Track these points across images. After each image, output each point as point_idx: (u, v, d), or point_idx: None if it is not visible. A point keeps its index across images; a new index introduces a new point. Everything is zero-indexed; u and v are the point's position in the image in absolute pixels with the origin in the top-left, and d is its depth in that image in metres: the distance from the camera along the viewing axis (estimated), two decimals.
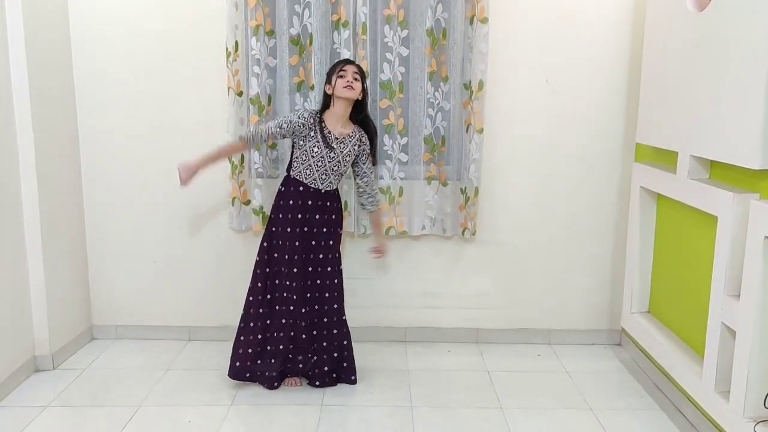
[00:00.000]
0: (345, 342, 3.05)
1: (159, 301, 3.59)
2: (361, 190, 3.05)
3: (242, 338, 2.98)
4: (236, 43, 3.23)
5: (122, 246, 3.53)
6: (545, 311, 3.58)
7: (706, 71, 2.50)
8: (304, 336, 2.96)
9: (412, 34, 3.28)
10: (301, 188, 2.89)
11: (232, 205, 3.41)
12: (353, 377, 3.08)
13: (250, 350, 2.97)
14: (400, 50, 3.26)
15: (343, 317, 3.03)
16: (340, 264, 3.01)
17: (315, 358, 3.01)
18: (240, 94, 3.29)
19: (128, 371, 3.22)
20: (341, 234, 3.03)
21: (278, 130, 2.87)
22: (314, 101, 3.27)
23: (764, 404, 2.21)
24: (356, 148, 2.93)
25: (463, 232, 3.43)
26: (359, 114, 2.96)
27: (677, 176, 2.73)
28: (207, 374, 3.19)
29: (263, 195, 3.35)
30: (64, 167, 3.33)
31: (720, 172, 2.55)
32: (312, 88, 3.26)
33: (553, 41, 3.33)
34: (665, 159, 2.97)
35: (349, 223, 3.37)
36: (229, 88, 3.28)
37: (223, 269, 3.55)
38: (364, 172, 3.00)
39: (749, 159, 2.20)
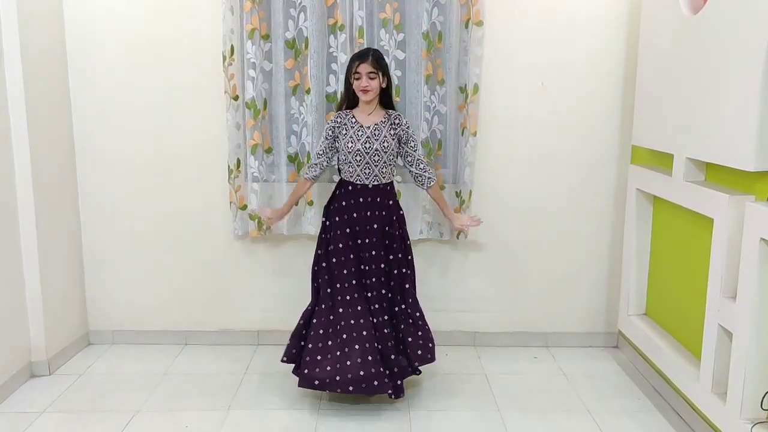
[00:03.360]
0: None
1: (155, 305, 3.58)
2: (410, 171, 2.96)
3: (311, 345, 2.83)
4: (232, 47, 3.23)
5: (118, 251, 3.53)
6: (542, 314, 3.58)
7: (700, 74, 2.51)
8: (381, 331, 2.86)
9: (408, 38, 3.29)
10: (349, 187, 2.86)
11: (230, 209, 3.41)
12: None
13: (319, 357, 2.81)
14: (396, 53, 3.27)
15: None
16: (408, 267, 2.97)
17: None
18: (236, 98, 3.29)
19: (125, 376, 3.21)
20: (401, 234, 2.95)
21: (324, 141, 2.89)
22: (310, 105, 3.27)
23: (761, 405, 2.22)
24: (392, 132, 2.86)
25: (457, 236, 3.43)
26: (389, 100, 2.93)
27: (673, 178, 2.74)
28: (204, 379, 3.19)
29: (259, 199, 3.35)
30: (60, 172, 3.32)
31: (715, 174, 2.56)
32: (308, 91, 3.26)
33: (549, 44, 3.33)
34: (661, 161, 2.97)
35: None
36: (225, 92, 3.28)
37: (220, 273, 3.55)
38: (407, 152, 2.91)
39: (744, 161, 2.21)
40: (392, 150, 2.87)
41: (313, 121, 3.29)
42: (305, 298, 3.47)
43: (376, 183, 2.86)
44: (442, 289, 3.55)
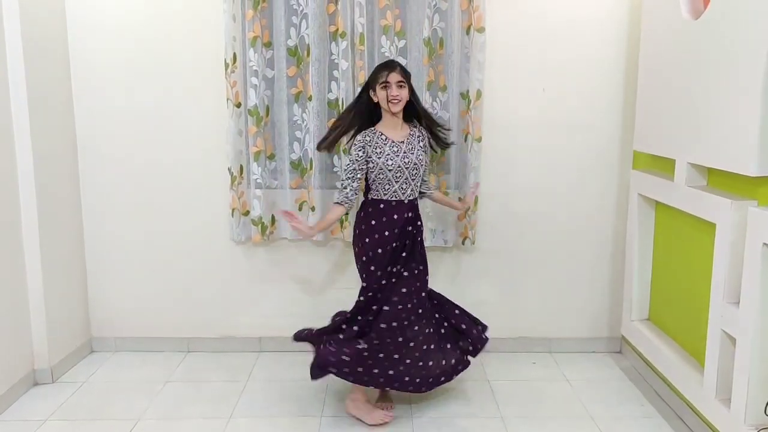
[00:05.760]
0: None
1: (158, 312, 3.58)
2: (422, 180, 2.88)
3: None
4: (234, 54, 3.24)
5: (121, 257, 3.53)
6: (545, 319, 3.58)
7: (702, 78, 2.51)
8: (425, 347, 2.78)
9: (410, 44, 3.30)
10: (381, 205, 2.74)
11: (232, 216, 3.41)
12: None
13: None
14: (397, 60, 3.27)
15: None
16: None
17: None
18: (238, 105, 3.30)
19: (127, 384, 3.21)
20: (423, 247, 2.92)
21: (356, 162, 2.72)
22: (312, 112, 3.28)
23: (765, 412, 2.21)
24: (422, 144, 2.78)
25: (463, 242, 3.43)
26: (413, 111, 2.81)
27: (675, 183, 2.73)
28: (206, 386, 3.19)
29: (262, 206, 3.36)
30: (63, 179, 3.33)
31: (718, 179, 2.56)
32: (310, 98, 3.27)
33: (550, 50, 3.34)
34: (663, 166, 2.97)
35: (348, 233, 3.38)
36: (227, 100, 3.29)
37: (223, 280, 3.55)
38: (426, 163, 2.85)
39: (746, 166, 2.21)
40: (425, 163, 2.82)
41: (315, 127, 3.29)
42: (307, 305, 3.51)
43: (411, 198, 2.78)
44: (446, 294, 3.53)
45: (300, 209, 3.41)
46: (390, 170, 2.72)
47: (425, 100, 3.27)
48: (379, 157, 2.71)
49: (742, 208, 2.28)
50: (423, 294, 2.81)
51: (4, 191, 2.96)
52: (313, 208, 3.37)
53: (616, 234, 3.48)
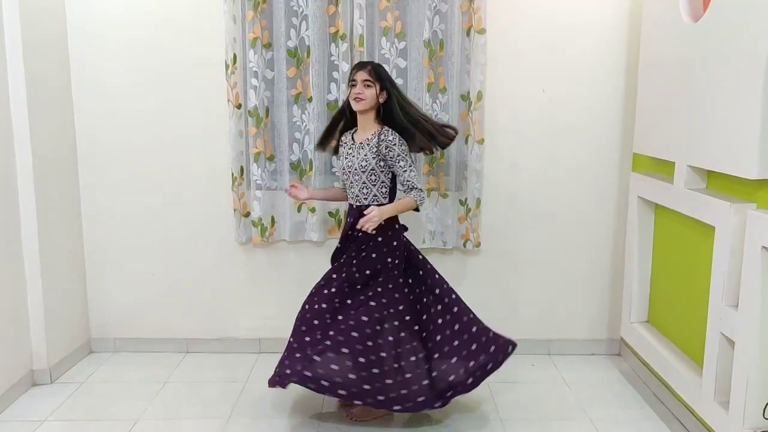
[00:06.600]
0: None
1: (157, 313, 3.58)
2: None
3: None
4: (234, 55, 3.25)
5: (120, 258, 3.53)
6: (544, 321, 3.58)
7: (701, 81, 2.51)
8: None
9: (410, 46, 3.30)
10: (348, 207, 2.88)
11: (234, 216, 3.41)
12: None
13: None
14: (397, 62, 3.28)
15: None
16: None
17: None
18: (239, 106, 3.30)
19: (126, 385, 3.21)
20: (380, 266, 2.72)
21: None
22: (312, 113, 3.28)
23: (763, 414, 2.21)
24: (375, 149, 2.66)
25: (465, 244, 3.43)
26: (391, 116, 2.71)
27: (674, 186, 2.73)
28: (205, 387, 3.18)
29: (262, 207, 3.36)
30: (63, 179, 3.33)
31: (717, 182, 2.56)
32: (310, 100, 3.27)
33: (551, 52, 3.34)
34: (663, 169, 2.97)
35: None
36: (228, 101, 3.29)
37: (222, 281, 3.55)
38: (396, 171, 2.71)
39: (746, 169, 2.21)
40: (372, 168, 2.68)
41: (314, 129, 3.29)
42: None
43: (357, 204, 2.74)
44: None
45: (299, 210, 3.41)
46: (341, 170, 2.82)
47: (425, 102, 3.27)
48: (339, 157, 2.84)
49: (741, 211, 2.28)
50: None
51: (4, 192, 2.96)
52: (312, 209, 3.37)
53: (616, 236, 3.48)
